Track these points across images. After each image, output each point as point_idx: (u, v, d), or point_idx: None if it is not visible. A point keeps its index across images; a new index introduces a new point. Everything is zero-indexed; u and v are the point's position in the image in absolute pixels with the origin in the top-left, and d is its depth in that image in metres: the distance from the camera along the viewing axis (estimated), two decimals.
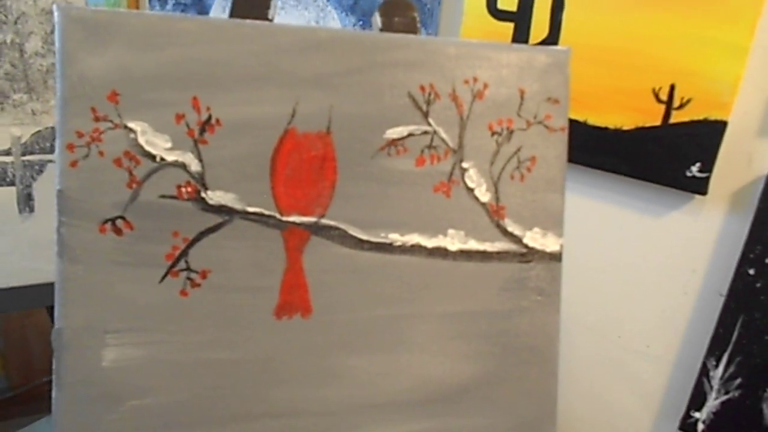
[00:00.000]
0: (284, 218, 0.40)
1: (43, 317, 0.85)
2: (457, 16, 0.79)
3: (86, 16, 0.36)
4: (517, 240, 0.43)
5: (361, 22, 0.82)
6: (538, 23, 0.72)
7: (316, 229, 0.40)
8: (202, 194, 0.38)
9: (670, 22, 0.65)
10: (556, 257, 0.44)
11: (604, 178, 0.73)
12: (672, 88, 0.66)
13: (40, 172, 0.65)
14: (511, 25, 0.74)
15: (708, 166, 0.64)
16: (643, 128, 0.69)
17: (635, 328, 0.74)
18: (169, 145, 0.38)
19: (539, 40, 0.72)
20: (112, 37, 0.36)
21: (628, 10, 0.67)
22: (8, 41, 0.66)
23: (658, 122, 0.67)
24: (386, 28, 0.43)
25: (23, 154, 0.65)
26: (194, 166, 0.38)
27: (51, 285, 0.68)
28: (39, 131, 0.66)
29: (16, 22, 0.66)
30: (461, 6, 0.77)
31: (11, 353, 0.90)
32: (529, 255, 0.44)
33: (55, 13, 0.37)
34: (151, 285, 0.38)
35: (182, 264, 0.39)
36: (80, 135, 0.37)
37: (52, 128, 0.66)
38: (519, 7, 0.73)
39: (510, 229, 0.43)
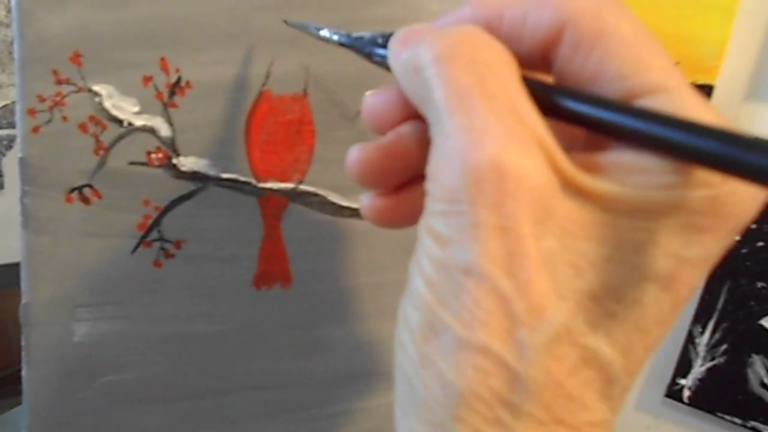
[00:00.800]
0: (260, 184, 0.38)
1: (19, 300, 0.83)
2: None
3: None
4: None
5: None
6: None
7: (294, 196, 0.39)
8: (174, 160, 0.37)
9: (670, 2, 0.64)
10: None
11: None
12: (675, 65, 0.65)
13: (9, 147, 0.62)
14: None
15: None
16: None
17: None
18: (136, 108, 0.36)
19: None
20: None
21: None
22: None
23: None
24: None
25: None
26: (164, 130, 0.36)
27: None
28: (6, 105, 0.63)
29: None
30: None
31: None
32: None
33: None
34: (122, 256, 0.37)
35: (155, 234, 0.37)
36: (42, 99, 0.35)
37: None
38: None
39: None
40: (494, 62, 0.17)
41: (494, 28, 0.18)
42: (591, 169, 0.16)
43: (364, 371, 0.41)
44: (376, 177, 0.21)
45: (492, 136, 0.15)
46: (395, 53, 0.19)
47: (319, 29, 0.30)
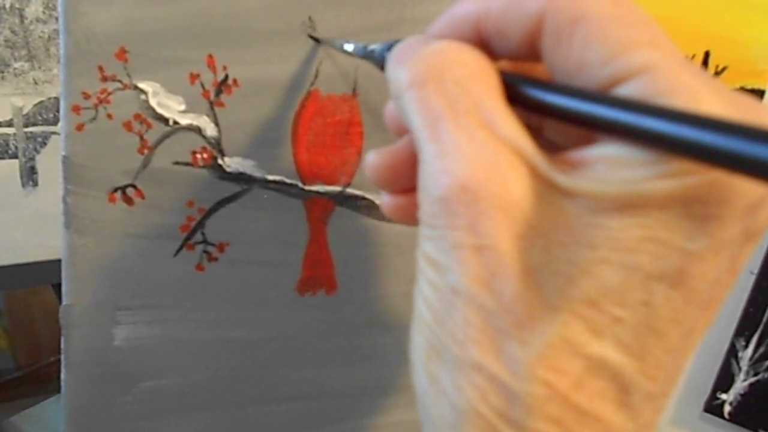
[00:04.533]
0: (307, 187, 0.37)
1: (50, 295, 0.83)
2: None
3: None
4: None
5: None
6: None
7: (341, 199, 0.37)
8: (219, 161, 0.36)
9: None
10: None
11: None
12: (707, 55, 0.63)
13: (44, 144, 0.62)
14: None
15: None
16: None
17: None
18: (182, 107, 0.35)
19: None
20: None
21: None
22: (7, 6, 0.62)
23: None
24: None
25: (25, 126, 0.63)
26: (210, 130, 0.35)
27: (56, 261, 0.66)
28: (42, 101, 0.63)
29: None
30: None
31: (17, 332, 0.88)
32: None
33: None
34: (164, 259, 0.36)
35: (198, 236, 0.36)
36: (86, 96, 0.34)
37: (56, 98, 0.63)
38: None
39: None
40: (466, 78, 0.16)
41: (482, 27, 0.18)
42: (580, 166, 0.16)
43: (411, 382, 0.40)
44: (389, 180, 0.21)
45: (460, 159, 0.15)
46: (389, 71, 0.19)
47: (342, 44, 0.29)
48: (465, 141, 0.15)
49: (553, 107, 0.16)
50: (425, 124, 0.16)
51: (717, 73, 0.62)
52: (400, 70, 0.18)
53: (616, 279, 0.15)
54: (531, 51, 0.17)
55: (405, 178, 0.21)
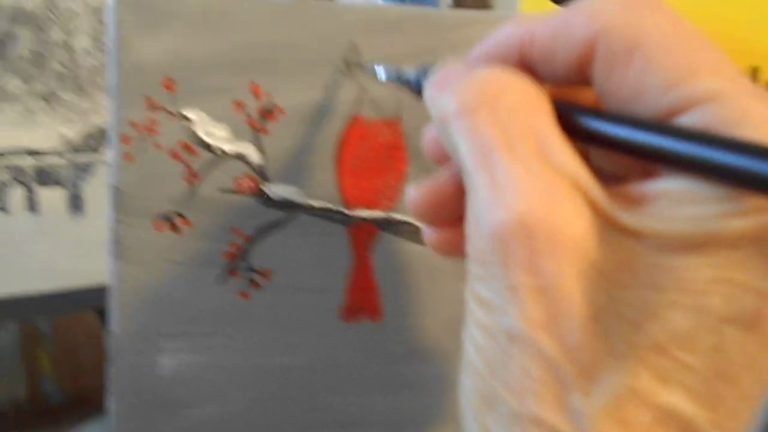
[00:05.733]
0: (350, 212, 0.37)
1: (92, 320, 0.84)
2: (512, 2, 0.75)
3: None
4: None
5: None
6: None
7: (385, 225, 0.37)
8: (263, 187, 0.36)
9: (749, 2, 0.60)
10: None
11: None
12: (754, 71, 0.61)
13: (89, 171, 0.63)
14: None
15: None
16: None
17: None
18: (227, 134, 0.35)
19: None
20: (169, 19, 0.34)
21: None
22: (57, 40, 0.65)
23: None
24: (457, 4, 0.39)
25: (72, 154, 0.64)
26: (254, 157, 0.35)
27: (100, 287, 0.66)
28: (88, 131, 0.64)
29: (65, 21, 0.64)
30: None
31: (60, 357, 0.89)
32: None
33: None
34: (209, 286, 0.36)
35: (243, 263, 0.36)
36: (134, 126, 0.34)
37: (101, 127, 0.64)
38: None
39: None
40: (519, 105, 0.16)
41: (526, 51, 0.17)
42: (641, 201, 0.14)
43: (456, 412, 0.39)
44: (432, 214, 0.20)
45: (515, 190, 0.14)
46: (429, 98, 0.19)
47: (375, 68, 0.29)
48: (521, 172, 0.14)
49: (610, 138, 0.15)
50: (476, 152, 0.15)
51: (765, 89, 0.60)
52: (445, 96, 0.17)
53: (686, 323, 0.14)
54: (579, 76, 0.16)
55: (449, 211, 0.20)
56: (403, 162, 0.37)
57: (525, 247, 0.14)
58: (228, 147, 0.35)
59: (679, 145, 0.13)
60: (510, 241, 0.14)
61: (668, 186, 0.14)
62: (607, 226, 0.14)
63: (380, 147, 0.36)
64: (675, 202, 0.14)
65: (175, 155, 0.35)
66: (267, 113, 0.35)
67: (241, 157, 0.35)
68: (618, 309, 0.14)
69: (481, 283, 0.15)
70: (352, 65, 0.36)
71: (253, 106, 0.35)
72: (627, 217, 0.14)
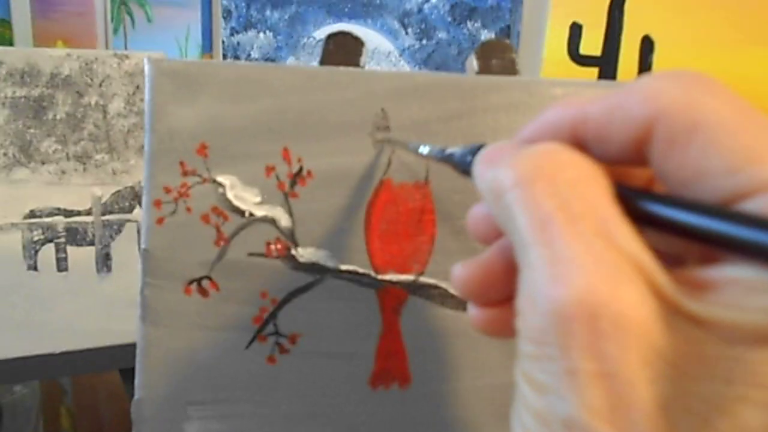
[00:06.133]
0: (380, 276, 0.36)
1: (115, 378, 0.84)
2: (536, 64, 0.76)
3: (177, 68, 0.35)
4: None
5: None
6: (626, 67, 0.68)
7: (415, 288, 0.37)
8: (293, 251, 0.36)
9: (765, 58, 0.60)
10: None
11: None
12: None
13: (119, 231, 0.64)
14: (595, 71, 0.70)
15: None
16: None
17: None
18: (258, 199, 0.35)
19: None
20: (203, 88, 0.35)
21: (727, 48, 0.63)
22: (93, 103, 0.67)
23: None
24: (483, 70, 0.40)
25: (103, 214, 0.65)
26: (284, 221, 0.36)
27: (124, 347, 0.66)
28: (119, 191, 0.66)
29: (101, 85, 0.67)
30: (540, 53, 0.74)
31: (81, 414, 0.88)
32: None
33: (146, 67, 0.35)
34: (237, 351, 0.35)
35: (270, 328, 0.36)
36: (168, 190, 0.35)
37: (132, 188, 0.65)
38: (604, 50, 0.70)
39: None
40: (579, 180, 0.15)
41: (579, 132, 0.17)
42: (706, 287, 0.14)
43: None
44: (479, 292, 0.20)
45: (578, 268, 0.14)
46: (479, 174, 0.18)
47: (416, 146, 0.29)
48: (582, 248, 0.14)
49: (672, 222, 0.15)
50: (534, 224, 0.15)
51: None
52: (500, 169, 0.16)
53: (757, 420, 0.13)
54: (635, 156, 0.16)
55: (497, 290, 0.19)
56: (433, 225, 0.37)
57: (587, 328, 0.13)
58: (258, 211, 0.35)
59: (749, 232, 0.13)
60: (570, 320, 0.13)
61: (737, 274, 0.14)
62: (672, 313, 0.14)
63: (410, 211, 0.36)
64: (746, 291, 0.13)
65: (206, 219, 0.35)
66: (297, 177, 0.36)
67: (271, 221, 0.35)
68: (684, 401, 0.13)
69: (535, 365, 0.14)
70: (382, 130, 0.36)
71: (283, 170, 0.36)
72: (694, 305, 0.14)
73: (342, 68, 0.37)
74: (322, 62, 0.39)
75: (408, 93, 0.37)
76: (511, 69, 0.40)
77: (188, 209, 0.35)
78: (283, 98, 0.36)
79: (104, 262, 0.65)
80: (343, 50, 0.39)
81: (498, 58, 0.40)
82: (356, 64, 0.39)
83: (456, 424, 0.37)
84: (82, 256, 0.65)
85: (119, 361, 0.65)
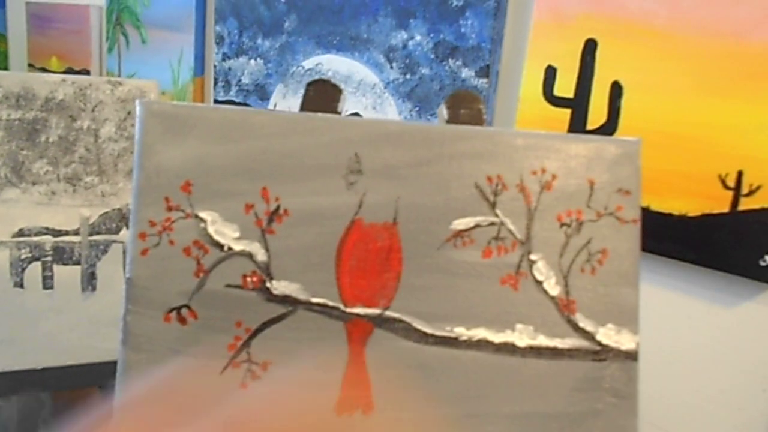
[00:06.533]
0: (348, 309, 0.39)
1: (94, 394, 0.85)
2: (512, 102, 0.79)
3: (167, 111, 0.38)
4: (589, 336, 0.41)
5: (417, 108, 0.83)
6: (596, 109, 0.72)
7: (380, 322, 0.39)
8: (267, 284, 0.38)
9: (735, 109, 0.64)
10: (631, 356, 0.42)
11: (670, 265, 0.70)
12: (739, 174, 0.64)
13: (105, 251, 0.67)
14: (568, 112, 0.74)
15: None
16: (709, 215, 0.66)
17: (710, 428, 0.69)
18: (237, 234, 0.38)
19: (597, 126, 0.72)
20: (190, 129, 0.38)
21: (690, 96, 0.67)
22: (85, 127, 0.69)
23: (726, 209, 0.65)
24: (452, 119, 0.43)
25: (90, 235, 0.68)
26: (260, 255, 0.38)
27: (105, 364, 0.68)
28: (106, 212, 0.68)
29: (93, 110, 0.70)
30: (517, 92, 0.78)
31: (59, 428, 0.89)
32: (602, 353, 0.41)
33: (138, 108, 0.38)
34: (211, 376, 0.38)
35: (244, 355, 0.38)
36: (152, 224, 0.37)
37: (119, 209, 0.68)
38: (576, 93, 0.73)
39: (582, 324, 0.41)
40: None
41: None
42: None
43: None
44: None
45: None
46: None
47: None
48: None
49: None
50: None
51: (751, 192, 0.63)
52: None
53: None
54: None
55: None
56: (399, 263, 0.39)
57: None
58: (237, 245, 0.38)
59: None
60: None
61: None
62: None
63: (378, 249, 0.39)
64: None
65: (187, 252, 0.38)
66: (274, 215, 0.38)
67: (248, 255, 0.38)
68: None
69: None
70: (355, 173, 0.39)
71: (262, 208, 0.38)
72: None
73: (320, 114, 0.40)
74: (303, 107, 0.42)
75: (380, 139, 0.40)
76: (478, 118, 0.43)
77: (171, 242, 0.37)
78: (264, 141, 0.38)
79: (89, 281, 0.67)
80: (322, 96, 0.42)
81: (466, 108, 0.43)
82: (334, 110, 0.42)
83: None
84: (68, 274, 0.67)
85: (100, 378, 0.67)
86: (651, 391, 0.71)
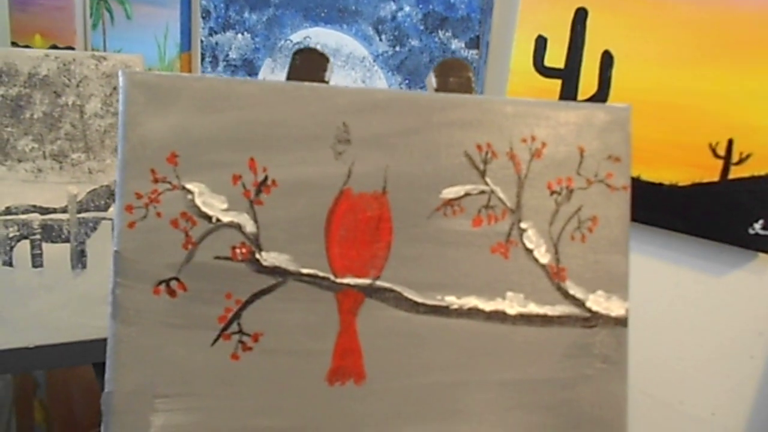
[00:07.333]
0: (338, 280, 0.39)
1: (88, 372, 0.85)
2: (503, 74, 0.79)
3: (150, 81, 0.37)
4: (579, 303, 0.41)
5: (407, 81, 0.83)
6: (587, 79, 0.71)
7: (371, 291, 0.39)
8: (257, 255, 0.38)
9: (725, 77, 0.64)
10: (621, 322, 0.42)
11: (660, 235, 0.70)
12: (730, 143, 0.64)
13: (94, 229, 0.66)
14: (558, 82, 0.73)
15: None
16: (699, 184, 0.66)
17: (699, 394, 0.70)
18: (225, 206, 0.38)
19: (588, 96, 0.71)
20: (174, 100, 0.37)
21: (680, 66, 0.66)
22: (70, 103, 0.68)
23: (716, 178, 0.65)
24: (441, 88, 0.43)
25: (79, 212, 0.67)
26: (249, 227, 0.38)
27: (98, 341, 0.68)
28: (95, 189, 0.67)
29: (78, 85, 0.69)
30: (507, 63, 0.77)
31: (54, 407, 0.90)
32: (592, 319, 0.41)
33: (120, 78, 0.38)
34: (202, 348, 0.38)
35: (234, 326, 0.38)
36: (139, 196, 0.37)
37: (107, 186, 0.67)
38: (567, 63, 0.73)
39: (572, 291, 0.41)
40: None
41: None
42: None
43: None
44: None
45: None
46: None
47: None
48: None
49: None
50: None
51: (741, 161, 0.63)
52: None
53: None
54: None
55: None
56: (389, 233, 0.39)
57: None
58: (225, 217, 0.38)
59: None
60: None
61: None
62: None
63: (368, 219, 0.39)
64: None
65: (175, 224, 0.37)
66: (262, 186, 0.38)
67: (236, 227, 0.38)
68: None
69: None
70: (343, 143, 0.39)
71: (249, 179, 0.38)
72: None
73: (306, 83, 0.39)
74: (289, 77, 0.41)
75: (368, 108, 0.39)
76: (467, 87, 0.43)
77: (158, 214, 0.37)
78: (250, 111, 0.38)
79: (79, 258, 0.67)
80: (309, 65, 0.42)
81: (455, 76, 0.43)
82: (321, 79, 0.42)
83: (407, 417, 0.40)
84: (57, 252, 0.66)
85: (92, 356, 0.67)
86: (641, 358, 0.71)
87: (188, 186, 0.37)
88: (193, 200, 0.37)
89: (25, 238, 0.65)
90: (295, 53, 0.41)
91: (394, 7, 0.84)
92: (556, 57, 0.73)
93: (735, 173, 0.64)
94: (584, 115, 0.42)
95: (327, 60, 0.42)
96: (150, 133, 0.37)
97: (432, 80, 0.43)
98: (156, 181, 0.37)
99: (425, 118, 0.40)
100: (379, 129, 0.39)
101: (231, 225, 0.38)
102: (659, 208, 0.68)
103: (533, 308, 0.41)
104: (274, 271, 0.38)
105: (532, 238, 0.41)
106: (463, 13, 0.79)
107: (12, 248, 0.65)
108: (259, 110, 0.38)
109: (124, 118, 0.37)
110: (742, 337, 0.66)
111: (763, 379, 0.66)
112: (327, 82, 0.42)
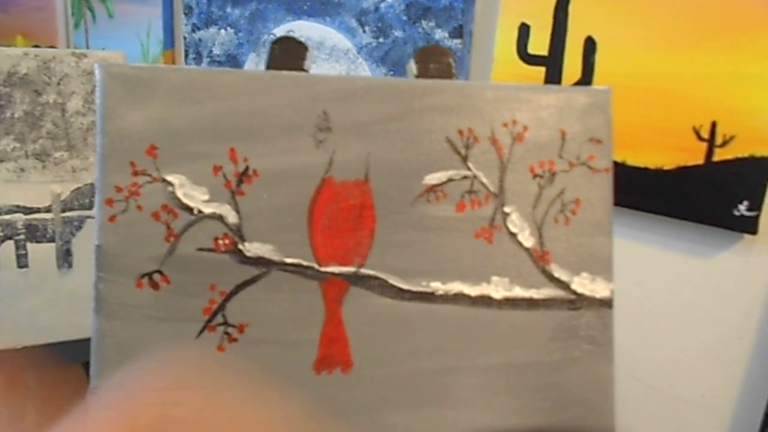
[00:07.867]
0: (322, 269, 0.39)
1: (79, 372, 0.85)
2: (487, 62, 0.79)
3: (127, 73, 0.37)
4: (564, 286, 0.41)
5: (392, 72, 0.82)
6: (571, 66, 0.71)
7: (356, 279, 0.39)
8: (240, 246, 0.38)
9: (707, 60, 0.64)
10: (606, 303, 0.42)
11: (646, 219, 0.71)
12: (713, 125, 0.64)
13: (79, 228, 0.66)
14: (542, 69, 0.73)
15: (756, 204, 0.61)
16: (684, 167, 0.66)
17: (688, 376, 0.70)
18: (206, 197, 0.37)
19: (572, 83, 0.72)
20: (152, 92, 0.37)
21: (663, 50, 0.66)
22: (51, 101, 0.68)
23: (700, 161, 0.65)
24: (422, 74, 0.42)
25: (63, 211, 0.66)
26: (231, 217, 0.38)
27: (86, 341, 0.68)
28: (78, 188, 0.67)
29: (59, 83, 0.68)
30: (491, 52, 0.77)
31: (45, 408, 0.89)
32: (577, 302, 0.42)
33: (96, 71, 0.37)
34: (187, 340, 0.37)
35: (219, 318, 0.38)
36: (119, 189, 0.37)
37: (91, 185, 0.67)
38: (550, 50, 0.73)
39: (556, 274, 0.41)
40: None
41: None
42: None
43: None
44: None
45: None
46: None
47: None
48: None
49: None
50: None
51: (724, 143, 0.63)
52: None
53: None
54: None
55: None
56: (372, 221, 0.39)
57: None
58: (207, 208, 0.37)
59: None
60: None
61: None
62: None
63: (350, 207, 0.39)
64: None
65: (156, 217, 0.37)
66: (243, 176, 0.38)
67: (218, 218, 0.38)
68: None
69: None
70: (323, 131, 0.38)
71: (230, 169, 0.38)
72: None
73: (285, 72, 0.39)
74: (268, 66, 0.41)
75: (348, 96, 0.39)
76: (447, 72, 0.42)
77: (139, 207, 0.37)
78: (229, 101, 0.38)
79: (65, 258, 0.66)
80: (288, 54, 0.41)
81: (436, 62, 0.43)
82: (301, 68, 0.41)
83: (395, 405, 0.40)
84: (42, 252, 0.66)
85: (81, 355, 0.66)
86: (629, 342, 0.72)
87: (168, 178, 0.37)
88: (173, 192, 0.37)
89: (9, 238, 0.65)
90: (274, 42, 0.41)
91: None
92: (539, 44, 0.73)
93: (719, 155, 0.64)
94: (565, 98, 0.42)
95: (306, 48, 0.42)
96: (128, 125, 0.37)
97: (412, 67, 0.43)
98: (136, 173, 0.37)
99: (406, 104, 0.39)
100: (360, 116, 0.39)
101: (213, 216, 0.38)
102: (645, 192, 0.68)
103: (518, 292, 0.41)
104: (258, 261, 0.38)
105: (515, 222, 0.41)
106: (445, 3, 0.78)
107: None
108: (239, 100, 0.38)
109: (102, 111, 0.37)
110: (729, 319, 0.67)
111: (751, 361, 0.66)
112: (306, 71, 0.42)
